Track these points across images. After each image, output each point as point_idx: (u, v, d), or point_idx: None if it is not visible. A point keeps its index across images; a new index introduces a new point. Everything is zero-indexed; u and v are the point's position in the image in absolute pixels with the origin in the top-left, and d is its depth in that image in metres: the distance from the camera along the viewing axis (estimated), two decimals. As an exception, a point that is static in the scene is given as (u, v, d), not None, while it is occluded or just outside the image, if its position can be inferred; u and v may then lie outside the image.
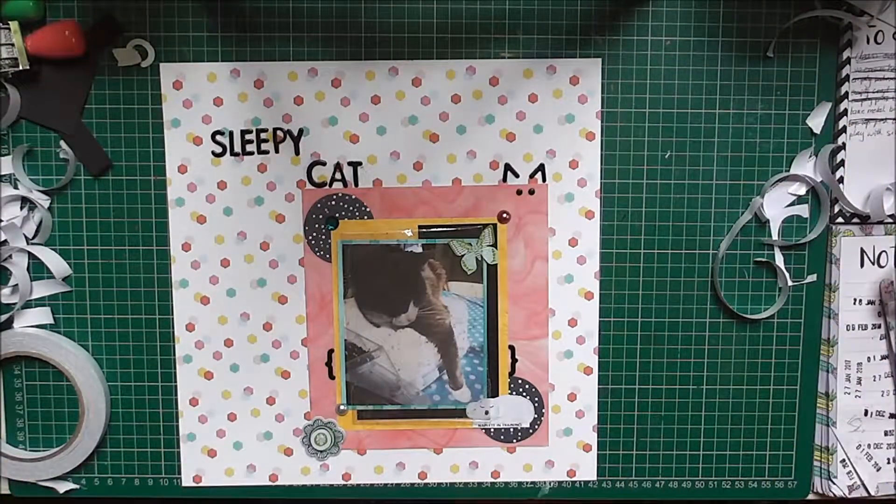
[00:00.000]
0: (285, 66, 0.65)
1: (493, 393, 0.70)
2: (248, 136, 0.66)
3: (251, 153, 0.67)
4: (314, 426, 0.70)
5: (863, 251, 0.68)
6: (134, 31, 0.65)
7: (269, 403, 0.70)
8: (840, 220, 0.68)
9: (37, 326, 0.68)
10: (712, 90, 0.66)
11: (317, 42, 0.65)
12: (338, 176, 0.67)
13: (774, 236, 0.68)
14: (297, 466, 0.71)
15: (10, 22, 0.62)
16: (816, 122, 0.66)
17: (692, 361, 0.69)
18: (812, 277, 0.68)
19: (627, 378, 0.70)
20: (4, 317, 0.67)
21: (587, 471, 0.71)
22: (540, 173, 0.67)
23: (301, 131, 0.66)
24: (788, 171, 0.67)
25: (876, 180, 0.67)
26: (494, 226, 0.68)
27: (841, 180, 0.67)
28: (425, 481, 0.71)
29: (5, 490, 0.70)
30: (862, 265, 0.68)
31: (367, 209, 0.67)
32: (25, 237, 0.67)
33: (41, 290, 0.68)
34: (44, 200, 0.67)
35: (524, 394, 0.70)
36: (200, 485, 0.71)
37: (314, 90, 0.66)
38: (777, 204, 0.68)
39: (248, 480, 0.71)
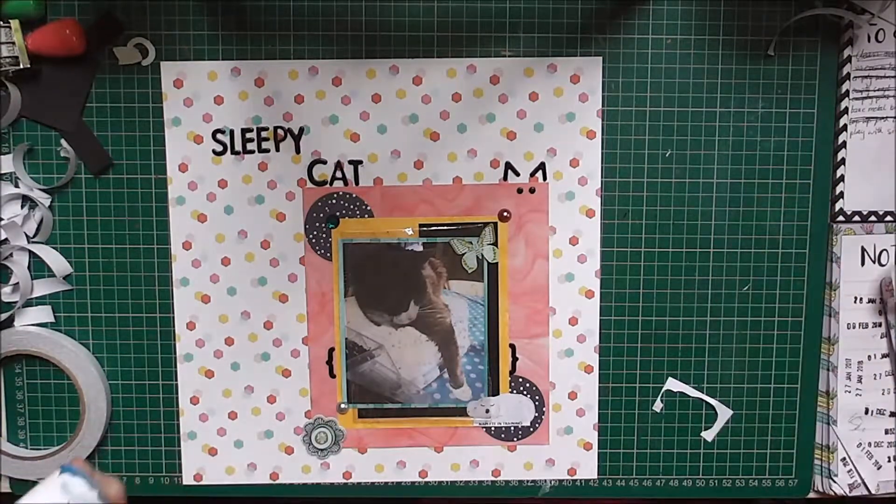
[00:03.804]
0: (286, 65, 0.65)
1: (494, 391, 0.70)
2: (248, 135, 0.66)
3: (252, 152, 0.67)
4: (315, 425, 0.70)
5: (863, 249, 0.68)
6: (135, 29, 0.65)
7: (269, 402, 0.70)
8: (841, 218, 0.68)
9: (38, 325, 0.68)
10: (713, 89, 0.66)
11: (317, 41, 0.65)
12: (338, 174, 0.67)
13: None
14: (297, 465, 0.71)
15: (10, 20, 0.62)
16: None
17: (692, 360, 0.69)
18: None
19: (628, 377, 0.70)
20: (5, 315, 0.67)
21: (588, 469, 0.71)
22: (540, 172, 0.67)
23: (302, 130, 0.66)
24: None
25: (876, 178, 0.67)
26: (495, 224, 0.68)
27: (842, 178, 0.67)
28: (426, 480, 0.71)
29: (6, 488, 0.70)
30: (863, 263, 0.68)
31: (368, 208, 0.67)
32: (26, 236, 0.67)
33: (42, 288, 0.68)
34: (44, 199, 0.67)
35: (525, 392, 0.70)
36: (201, 483, 0.71)
37: (315, 89, 0.66)
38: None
39: (248, 479, 0.71)
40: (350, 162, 0.67)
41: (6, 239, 0.67)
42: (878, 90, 0.66)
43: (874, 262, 0.68)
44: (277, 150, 0.67)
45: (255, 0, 0.65)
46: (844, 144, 0.67)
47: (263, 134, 0.66)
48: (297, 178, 0.67)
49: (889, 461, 0.70)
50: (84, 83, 0.65)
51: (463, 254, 0.68)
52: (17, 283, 0.67)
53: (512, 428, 0.70)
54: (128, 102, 0.66)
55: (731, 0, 0.65)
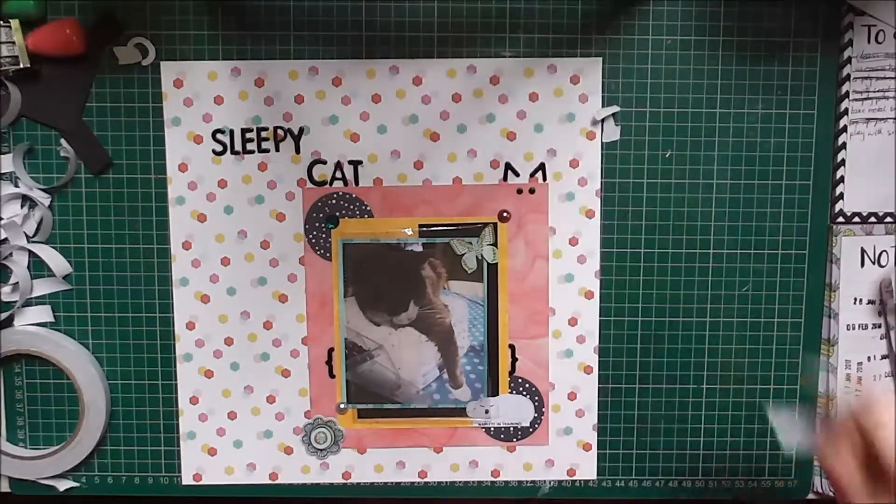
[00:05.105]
0: (286, 65, 0.65)
1: (494, 392, 0.70)
2: (248, 135, 0.66)
3: (252, 152, 0.67)
4: (314, 425, 0.70)
5: (863, 251, 0.68)
6: (134, 29, 0.65)
7: (269, 402, 0.70)
8: (840, 219, 0.68)
9: (37, 325, 0.68)
10: (713, 90, 0.66)
11: (317, 41, 0.65)
12: (338, 175, 0.67)
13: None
14: (297, 465, 0.71)
15: (10, 20, 0.62)
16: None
17: (692, 361, 0.69)
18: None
19: (627, 377, 0.70)
20: (5, 315, 0.67)
21: (587, 470, 0.71)
22: (540, 172, 0.67)
23: (301, 130, 0.66)
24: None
25: (876, 179, 0.67)
26: (495, 225, 0.68)
27: (842, 179, 0.67)
28: (425, 480, 0.71)
29: (6, 488, 0.70)
30: (862, 265, 0.68)
31: (368, 208, 0.67)
32: (26, 235, 0.67)
33: (41, 288, 0.68)
34: (44, 198, 0.67)
35: (524, 393, 0.70)
36: (200, 483, 0.71)
37: (315, 89, 0.66)
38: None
39: (248, 479, 0.71)
40: (350, 162, 0.67)
41: (6, 238, 0.67)
42: (877, 91, 0.66)
43: (874, 263, 0.68)
44: (277, 150, 0.67)
45: (256, 0, 0.65)
46: (844, 145, 0.67)
47: (263, 134, 0.66)
48: (296, 178, 0.67)
49: (888, 462, 0.70)
50: (84, 83, 0.65)
51: (463, 254, 0.68)
52: (17, 283, 0.67)
53: (511, 428, 0.70)
54: (128, 102, 0.66)
55: (731, 0, 0.65)
